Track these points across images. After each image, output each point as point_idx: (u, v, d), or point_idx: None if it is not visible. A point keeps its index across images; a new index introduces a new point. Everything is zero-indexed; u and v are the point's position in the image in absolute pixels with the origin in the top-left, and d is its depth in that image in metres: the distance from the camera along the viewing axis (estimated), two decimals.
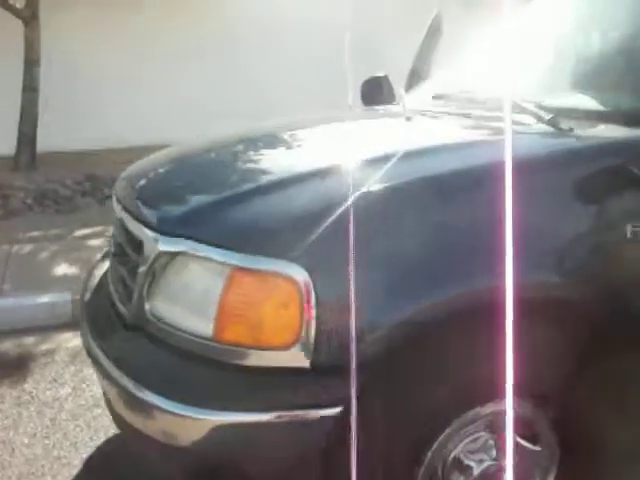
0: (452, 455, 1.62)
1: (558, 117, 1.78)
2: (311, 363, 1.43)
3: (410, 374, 1.49)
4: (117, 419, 1.80)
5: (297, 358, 1.42)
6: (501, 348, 1.51)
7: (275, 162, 1.90)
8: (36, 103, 6.96)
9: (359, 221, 1.41)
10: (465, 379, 1.53)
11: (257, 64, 8.07)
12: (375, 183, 1.49)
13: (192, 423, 1.47)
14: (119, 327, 1.77)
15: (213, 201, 1.62)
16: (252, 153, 2.01)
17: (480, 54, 2.52)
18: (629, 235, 1.59)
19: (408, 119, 2.10)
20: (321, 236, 1.43)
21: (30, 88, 6.91)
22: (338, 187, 1.47)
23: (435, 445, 1.54)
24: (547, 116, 1.80)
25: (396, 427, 1.50)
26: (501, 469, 1.66)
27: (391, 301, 1.44)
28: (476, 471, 1.63)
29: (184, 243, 1.53)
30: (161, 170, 2.00)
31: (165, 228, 1.60)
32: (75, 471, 2.22)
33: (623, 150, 1.67)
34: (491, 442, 1.65)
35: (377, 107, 2.56)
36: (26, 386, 2.78)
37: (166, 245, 1.57)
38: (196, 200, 1.67)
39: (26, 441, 2.38)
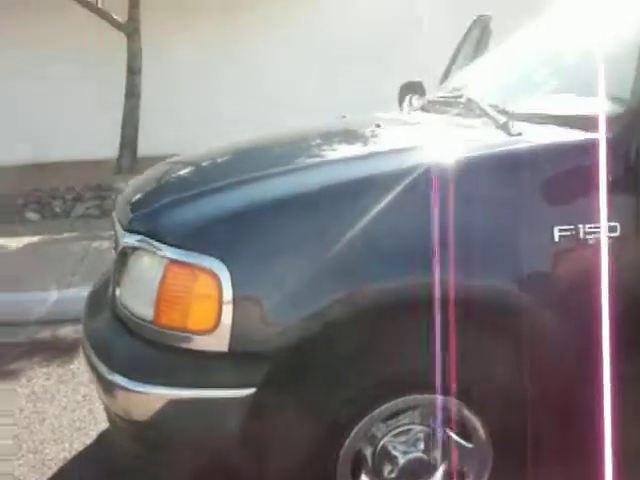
0: (381, 444, 1.70)
1: (511, 121, 1.82)
2: (229, 348, 1.57)
3: (322, 363, 1.60)
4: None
5: (217, 343, 1.57)
6: (415, 344, 1.60)
7: (226, 172, 2.06)
8: (137, 109, 7.53)
9: (275, 223, 1.57)
10: (382, 371, 1.61)
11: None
12: (288, 191, 1.65)
13: (136, 397, 1.66)
14: (108, 314, 1.99)
15: (164, 203, 1.81)
16: (220, 164, 2.17)
17: (481, 60, 2.56)
18: (556, 239, 1.61)
19: (377, 126, 2.18)
20: (239, 235, 1.59)
21: (132, 95, 7.51)
22: (258, 195, 1.67)
23: (353, 432, 1.62)
24: (501, 121, 1.85)
25: (309, 412, 1.61)
26: (426, 461, 1.72)
27: (301, 295, 1.55)
28: (401, 461, 1.70)
29: (139, 238, 1.74)
30: (143, 179, 2.24)
31: (129, 225, 1.82)
32: (89, 441, 2.50)
33: (558, 154, 1.68)
34: (420, 435, 1.72)
35: (376, 114, 2.63)
36: (71, 366, 3.11)
37: (127, 239, 1.79)
38: (154, 203, 1.87)
39: (57, 412, 2.70)
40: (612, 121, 1.65)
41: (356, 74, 8.14)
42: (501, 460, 1.72)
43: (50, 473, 2.28)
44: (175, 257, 1.61)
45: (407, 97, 2.74)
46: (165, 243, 1.64)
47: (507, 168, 1.67)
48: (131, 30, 7.43)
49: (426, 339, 1.60)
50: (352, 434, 1.63)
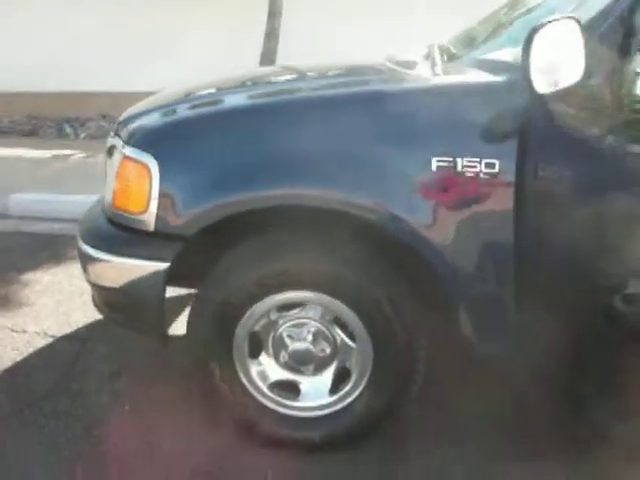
0: (279, 331, 2.00)
1: (445, 64, 1.98)
2: (154, 228, 1.94)
3: (220, 249, 1.92)
4: None
5: (146, 223, 1.94)
6: (296, 245, 1.88)
7: (184, 97, 2.30)
8: (275, 51, 7.98)
9: (195, 134, 1.92)
10: (264, 265, 1.89)
11: None
12: (209, 112, 2.03)
13: (97, 264, 2.09)
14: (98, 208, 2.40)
15: (133, 115, 2.20)
16: (185, 92, 2.38)
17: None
18: (434, 168, 1.76)
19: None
20: (170, 140, 1.97)
21: (271, 36, 7.95)
22: (189, 112, 2.09)
23: (246, 315, 1.93)
24: (433, 62, 2.00)
25: (208, 290, 1.95)
26: (311, 352, 1.99)
27: (207, 192, 1.87)
28: (290, 348, 1.99)
29: (116, 140, 2.15)
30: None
31: (114, 130, 2.24)
32: None
33: (453, 92, 1.82)
34: (312, 329, 1.99)
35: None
36: None
37: (110, 140, 2.22)
38: (130, 115, 2.25)
39: None
40: (512, 67, 1.74)
41: None
42: (380, 360, 1.94)
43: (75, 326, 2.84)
44: (127, 153, 1.99)
45: None
46: (127, 144, 2.04)
47: (403, 101, 1.83)
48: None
49: (310, 242, 1.87)
50: (245, 316, 1.94)
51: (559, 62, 1.49)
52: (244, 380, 2.01)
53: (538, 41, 1.47)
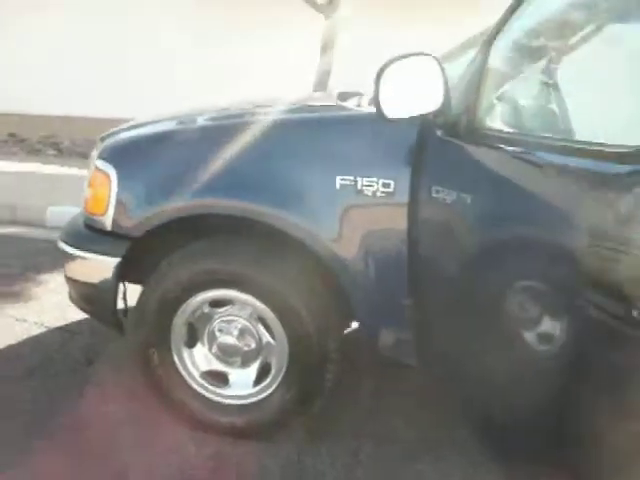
0: (213, 325, 2.27)
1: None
2: (111, 228, 2.26)
3: (160, 249, 2.22)
4: None
5: (106, 224, 2.27)
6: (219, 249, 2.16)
7: (153, 120, 2.63)
8: (326, 85, 8.39)
9: (147, 150, 2.26)
10: (193, 266, 2.17)
11: None
12: (162, 131, 2.36)
13: (72, 260, 2.44)
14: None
15: (111, 132, 2.56)
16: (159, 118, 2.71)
17: None
18: (337, 186, 2.00)
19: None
20: (128, 155, 2.31)
21: (324, 71, 8.38)
22: (147, 131, 2.40)
23: (180, 309, 2.21)
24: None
25: (149, 284, 2.23)
26: (236, 346, 2.24)
27: (153, 200, 2.18)
28: (219, 341, 2.25)
29: (94, 153, 2.51)
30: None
31: (96, 147, 2.60)
32: None
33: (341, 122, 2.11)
34: (239, 325, 2.24)
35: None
36: None
37: (92, 155, 2.58)
38: (110, 132, 2.60)
39: None
40: None
41: None
42: (294, 358, 2.16)
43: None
44: (97, 164, 2.34)
45: None
46: (98, 157, 2.38)
47: (314, 127, 2.11)
48: (329, 12, 8.27)
49: (233, 247, 2.14)
50: (180, 308, 2.22)
51: (411, 92, 1.72)
52: (179, 366, 2.28)
53: (388, 74, 1.70)
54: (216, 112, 2.45)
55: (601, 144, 1.50)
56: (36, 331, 3.05)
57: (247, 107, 2.50)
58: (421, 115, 1.79)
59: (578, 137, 1.84)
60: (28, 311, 3.25)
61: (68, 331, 3.06)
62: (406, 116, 1.77)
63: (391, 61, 1.71)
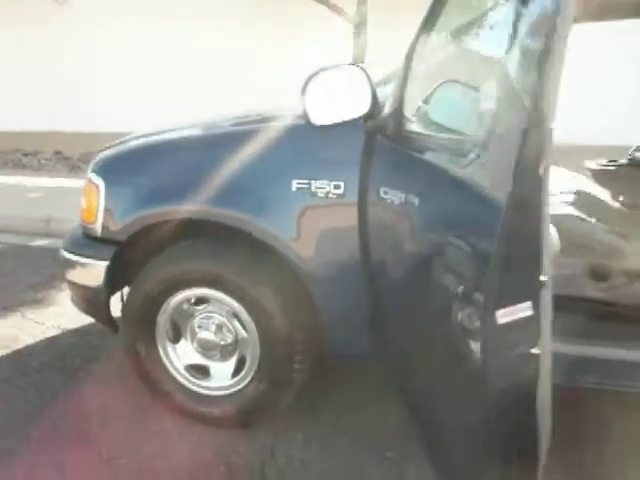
0: (194, 322, 2.45)
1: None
2: (101, 234, 2.48)
3: (142, 252, 2.41)
4: None
5: (95, 231, 2.50)
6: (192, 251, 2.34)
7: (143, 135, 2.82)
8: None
9: (132, 163, 2.46)
10: (170, 267, 2.36)
11: None
12: (147, 146, 2.55)
13: (70, 264, 2.67)
14: None
15: (106, 147, 2.77)
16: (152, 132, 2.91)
17: None
18: (294, 189, 2.15)
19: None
20: (115, 168, 2.52)
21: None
22: (133, 146, 2.58)
23: (163, 306, 2.40)
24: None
25: (135, 284, 2.44)
26: (213, 341, 2.41)
27: (137, 207, 2.38)
28: (198, 336, 2.44)
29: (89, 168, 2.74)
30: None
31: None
32: None
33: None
34: (216, 321, 2.41)
35: None
36: None
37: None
38: (105, 147, 2.82)
39: None
40: None
41: None
42: (265, 352, 2.32)
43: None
44: (90, 177, 2.57)
45: None
46: (91, 170, 2.61)
47: (273, 135, 2.25)
48: (359, 23, 8.44)
49: (207, 249, 2.32)
50: (162, 306, 2.41)
51: (338, 100, 1.86)
52: (164, 360, 2.48)
53: (315, 83, 1.85)
54: (191, 126, 2.64)
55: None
56: (52, 333, 3.31)
57: (218, 121, 2.68)
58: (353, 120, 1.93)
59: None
60: (47, 315, 3.53)
61: (80, 332, 3.31)
62: (332, 122, 1.91)
63: (317, 72, 1.86)
